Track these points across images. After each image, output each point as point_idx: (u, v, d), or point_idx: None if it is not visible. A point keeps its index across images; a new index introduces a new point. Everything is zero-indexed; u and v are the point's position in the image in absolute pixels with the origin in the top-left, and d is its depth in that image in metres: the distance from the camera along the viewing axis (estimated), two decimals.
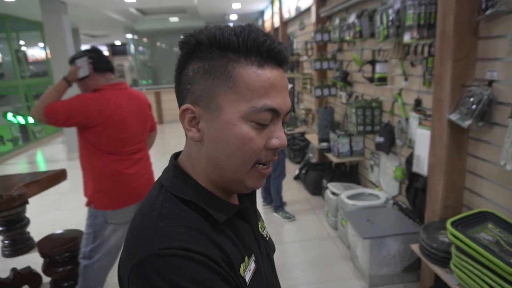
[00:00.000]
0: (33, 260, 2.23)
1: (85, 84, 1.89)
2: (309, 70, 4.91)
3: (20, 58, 8.26)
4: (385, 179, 2.91)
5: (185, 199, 0.60)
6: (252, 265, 0.64)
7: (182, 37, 0.60)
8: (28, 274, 2.42)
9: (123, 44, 14.71)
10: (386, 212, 2.62)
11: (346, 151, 3.24)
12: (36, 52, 9.63)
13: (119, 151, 1.88)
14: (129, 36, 11.25)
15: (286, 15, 6.14)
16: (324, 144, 3.55)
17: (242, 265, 0.61)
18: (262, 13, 9.40)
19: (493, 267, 1.40)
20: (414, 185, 2.35)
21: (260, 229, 0.74)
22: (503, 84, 1.62)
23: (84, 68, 1.85)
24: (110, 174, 1.88)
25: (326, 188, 3.34)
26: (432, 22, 1.98)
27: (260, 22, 10.02)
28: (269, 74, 0.57)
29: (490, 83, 1.67)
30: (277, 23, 7.01)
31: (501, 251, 1.44)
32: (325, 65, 3.70)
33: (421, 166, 2.17)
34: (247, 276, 0.61)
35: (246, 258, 0.63)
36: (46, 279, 2.46)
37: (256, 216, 0.74)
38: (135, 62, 12.06)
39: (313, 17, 4.04)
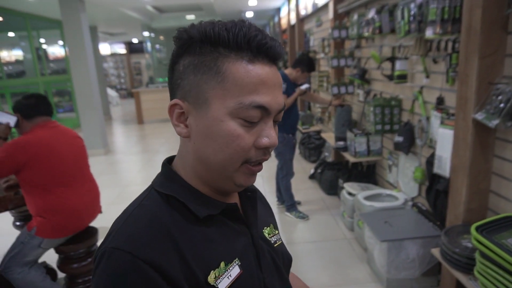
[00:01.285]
0: (48, 256, 2.25)
1: (19, 131, 2.13)
2: (326, 67, 4.82)
3: (41, 55, 8.44)
4: (404, 180, 2.82)
5: (167, 194, 0.60)
6: (235, 270, 0.60)
7: (176, 32, 0.60)
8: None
9: (140, 42, 14.88)
10: (404, 214, 2.53)
11: (363, 151, 3.16)
12: (56, 50, 9.83)
13: (59, 184, 2.06)
14: (146, 34, 11.34)
15: (302, 12, 6.05)
16: (341, 143, 3.47)
17: (212, 272, 0.57)
18: (278, 10, 9.32)
19: None
20: (435, 187, 2.26)
21: (266, 235, 0.72)
22: None
23: (11, 120, 2.10)
24: (53, 207, 2.05)
25: (342, 188, 3.26)
26: (457, 16, 1.89)
27: (276, 19, 9.94)
28: (259, 70, 0.56)
29: None
30: (293, 20, 6.93)
31: None
32: (342, 62, 3.62)
33: (443, 167, 2.08)
34: (224, 283, 0.58)
35: (223, 263, 0.59)
36: (61, 275, 2.48)
37: (257, 220, 0.71)
38: (152, 59, 12.16)
39: (330, 13, 3.96)
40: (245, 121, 0.56)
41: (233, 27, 0.55)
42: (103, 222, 3.25)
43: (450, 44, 2.06)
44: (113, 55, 16.64)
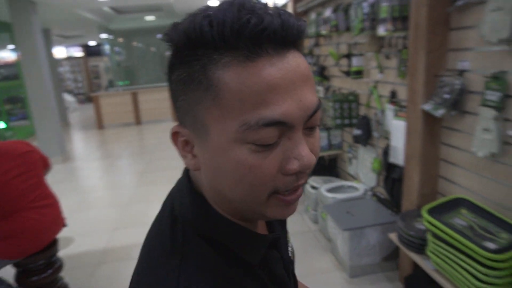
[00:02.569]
0: (3, 271, 2.13)
1: None
2: None
3: None
4: (363, 171, 2.95)
5: (210, 238, 0.47)
6: None
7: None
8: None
9: (98, 45, 14.39)
10: (365, 203, 2.65)
11: (325, 145, 3.27)
12: (6, 55, 9.28)
13: (15, 210, 1.93)
14: (103, 36, 10.99)
15: None
16: None
17: None
18: None
19: (467, 250, 1.44)
20: (391, 176, 2.39)
21: (288, 251, 0.62)
22: (473, 74, 1.67)
23: None
24: (11, 233, 1.92)
25: (306, 182, 3.36)
26: (406, 14, 2.01)
27: None
28: (265, 70, 0.40)
29: (461, 73, 1.71)
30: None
31: (475, 235, 1.48)
32: None
33: (397, 156, 2.21)
34: None
35: None
36: None
37: (286, 239, 0.61)
38: (111, 62, 11.80)
39: (290, 12, 4.05)
40: (257, 146, 0.41)
41: (216, 17, 0.40)
42: (65, 232, 3.12)
43: (400, 41, 2.19)
44: (69, 58, 15.96)
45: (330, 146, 3.30)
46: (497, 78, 1.48)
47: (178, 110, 0.46)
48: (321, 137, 3.25)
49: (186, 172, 0.52)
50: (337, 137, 3.30)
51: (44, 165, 2.21)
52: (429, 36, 1.76)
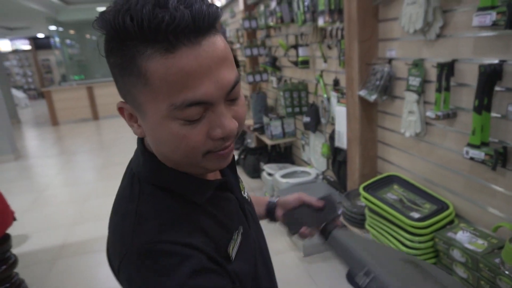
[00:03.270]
0: None
1: None
2: (241, 57, 4.99)
3: None
4: (315, 156, 3.11)
5: (162, 186, 0.58)
6: (239, 237, 0.62)
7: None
8: None
9: (47, 37, 13.66)
10: (316, 187, 2.81)
11: (279, 133, 3.40)
12: None
13: None
14: (52, 28, 10.46)
15: (217, 3, 6.14)
16: (257, 126, 3.68)
17: (231, 243, 0.59)
18: None
19: (396, 221, 1.61)
20: (337, 159, 2.56)
21: (242, 193, 0.72)
22: (399, 61, 1.83)
23: None
24: None
25: (263, 170, 3.48)
26: (342, 7, 2.15)
27: None
28: (181, 60, 0.46)
29: (390, 61, 1.88)
30: None
31: (403, 207, 1.66)
32: (255, 51, 3.80)
33: (341, 140, 2.37)
34: (234, 251, 0.60)
35: (235, 234, 0.61)
36: None
37: (238, 181, 0.72)
38: (63, 56, 11.28)
39: (241, 5, 4.11)
40: (186, 121, 0.50)
41: (138, 14, 0.44)
42: (19, 230, 3.07)
43: (340, 32, 2.33)
44: (16, 52, 15.04)
45: (284, 134, 3.44)
46: (417, 65, 1.65)
47: (120, 90, 0.54)
48: (275, 126, 3.38)
49: (140, 139, 0.62)
50: (290, 125, 3.44)
51: None
52: (360, 27, 1.90)
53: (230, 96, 0.53)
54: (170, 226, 0.53)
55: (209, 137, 0.52)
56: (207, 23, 0.47)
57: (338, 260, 0.75)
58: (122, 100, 0.56)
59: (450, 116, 1.49)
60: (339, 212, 0.72)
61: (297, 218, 0.88)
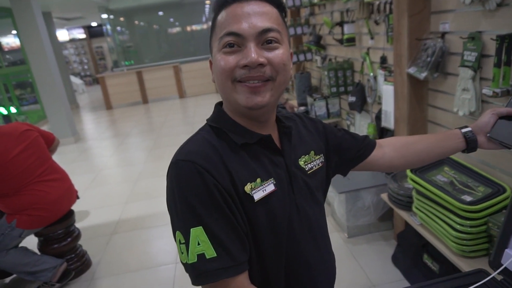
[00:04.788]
0: (28, 240, 2.34)
1: None
2: None
3: None
4: None
5: (216, 127, 0.78)
6: (270, 187, 0.75)
7: None
8: None
9: (100, 25, 14.35)
10: None
11: (323, 114, 3.34)
12: (10, 40, 9.38)
13: (26, 184, 2.11)
14: (104, 16, 10.95)
15: None
16: (302, 108, 3.64)
17: (249, 183, 0.73)
18: None
19: (446, 204, 1.54)
20: None
21: (301, 163, 0.85)
22: (454, 35, 1.71)
23: None
24: (28, 205, 2.11)
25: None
26: None
27: None
28: (233, 8, 0.70)
29: (443, 35, 1.75)
30: None
31: (454, 190, 1.58)
32: (299, 30, 3.72)
33: (388, 120, 2.28)
34: (257, 195, 0.73)
35: (259, 179, 0.74)
36: None
37: (293, 151, 0.84)
38: (114, 43, 11.81)
39: None
40: (226, 48, 0.70)
41: None
42: (81, 206, 3.35)
43: (388, 6, 2.21)
44: (73, 41, 15.99)
45: (329, 115, 3.37)
46: (473, 38, 1.53)
47: (210, 48, 0.78)
48: (319, 106, 3.32)
49: (218, 103, 0.84)
50: (335, 105, 3.36)
51: (48, 141, 2.34)
52: (410, 0, 1.79)
53: (263, 39, 0.70)
54: (202, 153, 0.71)
55: (238, 66, 0.70)
56: None
57: None
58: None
59: (510, 92, 1.38)
60: None
61: (508, 132, 0.88)
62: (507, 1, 1.38)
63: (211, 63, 0.79)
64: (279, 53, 0.71)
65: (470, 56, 1.54)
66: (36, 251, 2.35)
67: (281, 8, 0.75)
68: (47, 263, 2.20)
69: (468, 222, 1.45)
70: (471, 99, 1.58)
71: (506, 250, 0.94)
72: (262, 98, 0.71)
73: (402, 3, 1.84)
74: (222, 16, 0.71)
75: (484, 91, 1.43)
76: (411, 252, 2.07)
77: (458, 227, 1.49)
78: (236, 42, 0.69)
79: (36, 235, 2.32)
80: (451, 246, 1.54)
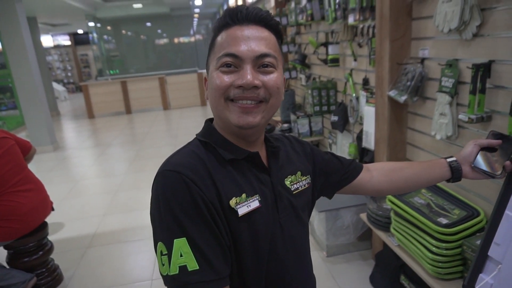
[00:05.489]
0: None
1: None
2: None
3: None
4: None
5: (203, 141, 0.79)
6: (255, 203, 0.75)
7: None
8: None
9: (86, 33, 14.22)
10: None
11: (306, 131, 3.38)
12: None
13: None
14: (91, 24, 10.89)
15: (249, 0, 6.15)
16: (285, 125, 3.67)
17: (234, 198, 0.73)
18: None
19: (423, 226, 1.56)
20: (364, 160, 2.51)
21: (287, 183, 0.86)
22: (432, 61, 1.77)
23: None
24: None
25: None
26: (374, 4, 2.09)
27: (225, 7, 9.93)
28: (234, 30, 0.73)
29: (422, 60, 1.81)
30: None
31: (430, 212, 1.60)
32: (285, 48, 3.79)
33: (369, 141, 2.32)
34: (242, 210, 0.73)
35: (244, 195, 0.75)
36: None
37: (279, 171, 0.85)
38: (100, 51, 11.71)
39: (272, 1, 4.11)
40: (223, 67, 0.72)
41: (231, 11, 0.74)
42: (56, 218, 3.25)
43: (371, 30, 2.28)
44: (57, 47, 15.79)
45: (311, 133, 3.41)
46: (450, 65, 1.58)
47: (206, 66, 0.81)
48: (302, 124, 3.35)
49: (208, 119, 0.86)
50: (318, 124, 3.40)
51: (24, 149, 2.27)
52: (392, 26, 1.85)
53: (259, 62, 0.73)
54: (190, 164, 0.72)
55: (233, 85, 0.72)
56: (255, 17, 0.74)
57: None
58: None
59: (484, 119, 1.43)
60: None
61: (489, 162, 0.92)
62: (482, 32, 1.44)
63: (205, 80, 0.81)
64: (273, 77, 0.74)
65: (448, 82, 1.59)
66: (5, 264, 2.25)
67: (278, 35, 0.78)
68: (15, 278, 2.10)
69: (444, 244, 1.48)
70: (448, 123, 1.63)
71: (480, 274, 0.96)
72: (253, 118, 0.73)
73: (384, 28, 1.90)
74: (222, 36, 0.74)
75: (460, 116, 1.48)
76: (388, 272, 2.08)
77: (434, 249, 1.51)
78: (233, 63, 0.72)
79: (5, 247, 2.22)
80: (427, 268, 1.55)
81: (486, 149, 0.95)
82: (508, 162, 0.88)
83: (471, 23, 1.45)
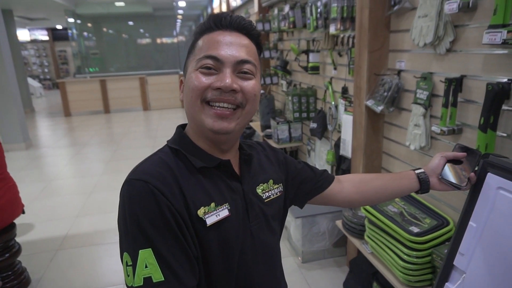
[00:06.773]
0: None
1: None
2: None
3: None
4: (319, 163, 3.10)
5: (175, 148, 0.78)
6: (224, 212, 0.75)
7: None
8: None
9: (66, 29, 13.88)
10: None
11: (286, 137, 3.39)
12: None
13: None
14: (71, 20, 10.63)
15: (233, 3, 6.16)
16: (269, 130, 3.68)
17: (203, 207, 0.72)
18: (211, 0, 9.31)
19: (395, 234, 1.60)
20: (341, 167, 2.55)
21: (259, 191, 0.86)
22: (408, 73, 1.82)
23: None
24: None
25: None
26: (354, 15, 2.14)
27: (209, 10, 9.92)
28: (216, 34, 0.74)
29: (399, 72, 1.86)
30: (225, 11, 7.00)
31: (403, 221, 1.64)
32: (267, 54, 3.81)
33: (347, 149, 2.36)
34: (210, 219, 0.72)
35: (213, 204, 0.74)
36: None
37: (252, 178, 0.85)
38: (79, 48, 11.45)
39: (255, 7, 4.13)
40: (203, 69, 0.72)
41: (215, 16, 0.75)
42: (25, 219, 3.13)
43: (351, 40, 2.32)
44: (34, 42, 15.32)
45: (291, 139, 3.43)
46: (425, 78, 1.63)
47: (184, 68, 0.80)
48: (282, 130, 3.37)
49: (180, 125, 0.84)
50: (297, 130, 3.43)
51: None
52: (371, 37, 1.89)
53: (239, 68, 0.74)
54: (157, 173, 0.70)
55: (211, 87, 0.72)
56: (238, 25, 0.76)
57: None
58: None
59: (456, 132, 1.47)
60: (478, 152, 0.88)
61: (456, 174, 0.95)
62: (455, 48, 1.50)
63: (181, 82, 0.80)
64: (251, 83, 0.75)
65: (422, 95, 1.64)
66: None
67: (258, 45, 0.80)
68: None
69: (414, 252, 1.51)
70: (421, 134, 1.68)
71: (446, 283, 0.99)
72: (228, 124, 0.74)
73: (363, 39, 1.94)
74: (204, 40, 0.74)
75: (433, 128, 1.52)
76: (361, 279, 2.11)
77: (405, 257, 1.54)
78: (214, 66, 0.72)
79: None
80: (398, 275, 1.58)
81: (453, 161, 0.98)
82: (472, 174, 0.91)
83: (445, 39, 1.50)
